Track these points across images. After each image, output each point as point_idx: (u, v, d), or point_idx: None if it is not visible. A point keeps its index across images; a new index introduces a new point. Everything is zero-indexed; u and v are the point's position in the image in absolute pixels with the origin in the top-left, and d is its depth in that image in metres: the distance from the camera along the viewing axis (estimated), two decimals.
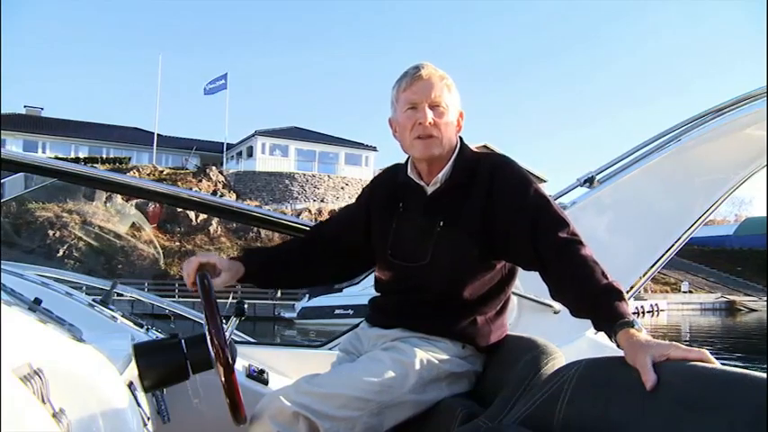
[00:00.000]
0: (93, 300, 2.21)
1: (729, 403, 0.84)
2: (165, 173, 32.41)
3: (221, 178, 32.98)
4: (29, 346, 0.83)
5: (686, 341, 20.49)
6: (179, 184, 30.20)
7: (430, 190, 1.52)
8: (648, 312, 34.92)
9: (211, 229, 28.83)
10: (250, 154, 36.64)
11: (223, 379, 1.21)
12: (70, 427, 0.79)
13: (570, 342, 2.11)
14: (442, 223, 1.47)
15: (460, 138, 1.56)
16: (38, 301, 1.22)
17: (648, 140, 2.14)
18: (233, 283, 1.54)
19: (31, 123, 35.89)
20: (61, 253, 25.34)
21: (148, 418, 1.21)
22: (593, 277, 1.24)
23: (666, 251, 2.20)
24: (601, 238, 2.02)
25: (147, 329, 1.96)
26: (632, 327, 1.11)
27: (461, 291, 1.46)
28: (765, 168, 2.09)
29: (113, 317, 1.99)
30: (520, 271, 1.56)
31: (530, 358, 1.31)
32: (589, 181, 2.14)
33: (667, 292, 42.79)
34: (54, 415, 0.76)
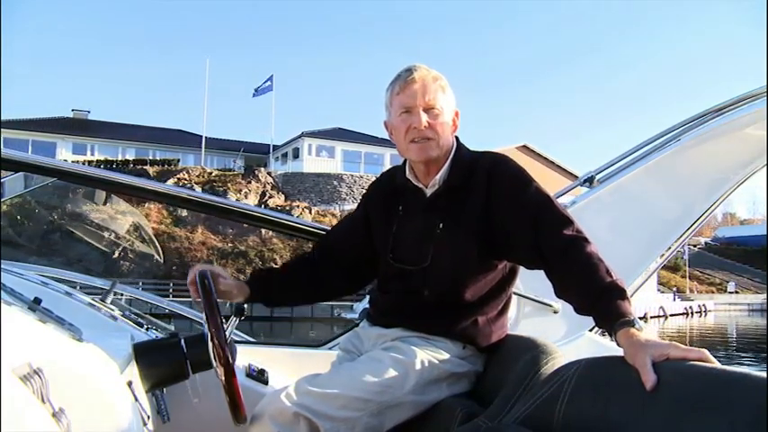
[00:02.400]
0: (93, 299, 2.21)
1: (729, 403, 0.84)
2: (213, 174, 32.42)
3: (270, 179, 32.89)
4: (29, 345, 0.83)
5: (732, 339, 20.29)
6: (228, 185, 30.58)
7: (429, 192, 1.52)
8: (697, 313, 34.99)
9: (263, 230, 28.85)
10: (296, 155, 36.68)
11: (223, 379, 1.21)
12: (70, 427, 0.79)
13: (570, 341, 2.11)
14: (441, 225, 1.47)
15: (457, 138, 1.55)
16: (38, 301, 1.21)
17: (649, 140, 2.14)
18: (240, 301, 1.52)
19: (79, 126, 36.62)
20: (116, 255, 25.52)
21: (148, 417, 1.20)
22: (596, 275, 1.24)
23: (666, 251, 2.20)
24: (601, 237, 2.00)
25: (147, 329, 1.96)
26: (633, 326, 1.10)
27: (462, 291, 1.46)
28: (765, 168, 2.09)
29: (113, 316, 1.99)
30: (520, 270, 1.56)
31: (529, 358, 1.31)
32: (589, 181, 2.14)
33: (713, 292, 42.81)
34: (54, 414, 0.76)
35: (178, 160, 34.41)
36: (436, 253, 1.46)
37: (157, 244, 26.64)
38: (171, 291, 21.10)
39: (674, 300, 36.72)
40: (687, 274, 43.98)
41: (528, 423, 1.12)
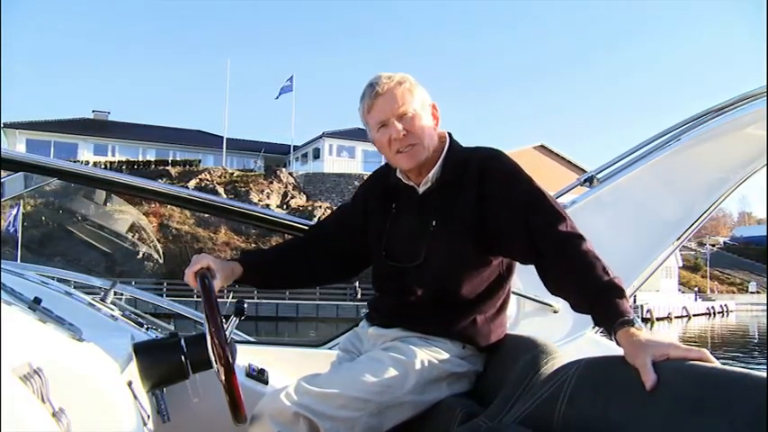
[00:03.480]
0: (93, 299, 2.22)
1: (729, 403, 0.84)
2: (235, 175, 32.33)
3: (291, 180, 32.75)
4: (29, 345, 0.83)
5: (755, 339, 20.17)
6: (251, 186, 30.53)
7: (421, 190, 1.52)
8: (719, 313, 34.78)
9: None
10: (316, 155, 36.69)
11: (223, 378, 1.21)
12: (70, 427, 0.79)
13: (570, 341, 2.11)
14: (434, 222, 1.47)
15: (449, 134, 1.55)
16: (38, 301, 1.22)
17: (649, 140, 2.14)
18: (230, 284, 1.52)
19: (99, 127, 37.03)
20: (140, 255, 25.69)
21: (148, 417, 1.21)
22: (593, 274, 1.24)
23: (666, 251, 2.20)
24: (600, 237, 2.01)
25: (147, 328, 1.96)
26: (632, 325, 1.10)
27: (459, 289, 1.46)
28: (765, 168, 2.08)
29: (113, 316, 1.99)
30: (519, 270, 1.56)
31: (529, 358, 1.31)
32: (589, 180, 2.14)
33: (734, 292, 42.72)
34: (54, 414, 0.76)
35: (199, 161, 34.44)
36: (430, 251, 1.46)
37: (158, 245, 26.73)
38: (196, 292, 21.10)
39: (696, 300, 36.68)
40: (708, 274, 43.87)
41: (528, 423, 1.12)
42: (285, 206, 30.36)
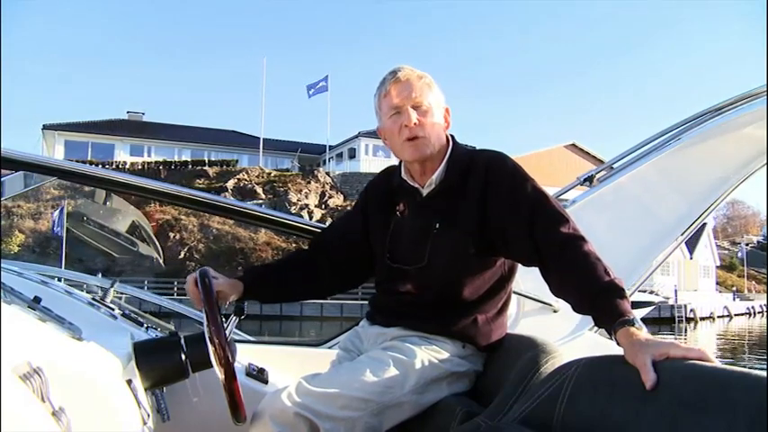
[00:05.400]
0: (93, 298, 2.22)
1: (729, 403, 0.84)
2: (272, 175, 32.42)
3: (328, 180, 32.73)
4: (28, 344, 0.83)
5: None
6: (289, 185, 30.71)
7: (425, 192, 1.51)
8: (759, 313, 34.40)
9: None
10: (351, 155, 36.80)
11: (223, 378, 1.21)
12: (70, 426, 0.79)
13: (570, 340, 2.11)
14: (438, 225, 1.47)
15: (452, 136, 1.55)
16: (37, 300, 1.22)
17: (649, 139, 2.14)
18: (234, 299, 1.50)
19: (134, 128, 37.49)
20: (182, 255, 25.94)
21: (148, 416, 1.21)
22: (595, 275, 1.24)
23: (666, 250, 2.20)
24: (600, 236, 2.01)
25: (147, 328, 1.96)
26: (632, 325, 1.10)
27: (461, 290, 1.46)
28: (765, 168, 2.08)
29: (113, 315, 1.99)
30: (519, 269, 1.56)
31: (529, 357, 1.31)
32: (589, 180, 2.14)
33: None
34: (54, 413, 0.76)
35: (236, 161, 34.48)
36: (433, 253, 1.46)
37: (158, 244, 26.76)
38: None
39: (734, 300, 36.40)
40: (745, 274, 43.60)
41: (528, 422, 1.12)
42: (323, 206, 30.43)
